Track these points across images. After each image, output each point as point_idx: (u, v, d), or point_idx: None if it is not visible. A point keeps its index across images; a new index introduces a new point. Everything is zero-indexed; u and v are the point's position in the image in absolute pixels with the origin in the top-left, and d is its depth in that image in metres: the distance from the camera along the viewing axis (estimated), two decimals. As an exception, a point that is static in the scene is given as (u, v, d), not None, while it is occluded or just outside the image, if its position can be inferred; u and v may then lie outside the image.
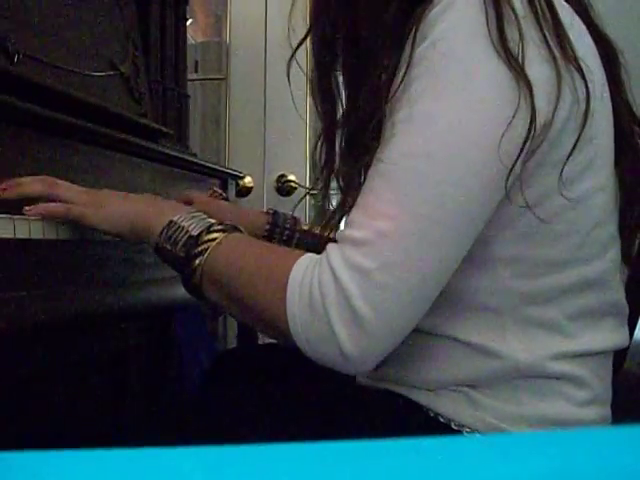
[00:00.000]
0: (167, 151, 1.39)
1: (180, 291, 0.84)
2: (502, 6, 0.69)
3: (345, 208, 0.81)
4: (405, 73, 0.71)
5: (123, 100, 1.36)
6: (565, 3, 0.78)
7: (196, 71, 2.47)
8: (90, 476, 0.31)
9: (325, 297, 0.68)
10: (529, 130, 0.68)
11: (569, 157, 0.71)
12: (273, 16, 2.33)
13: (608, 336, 0.81)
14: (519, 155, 0.68)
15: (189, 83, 1.89)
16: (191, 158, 1.56)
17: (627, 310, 0.85)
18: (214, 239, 0.77)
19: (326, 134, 0.87)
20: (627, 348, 0.90)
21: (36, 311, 0.78)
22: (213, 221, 0.80)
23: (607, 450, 0.32)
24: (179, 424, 0.85)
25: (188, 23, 1.92)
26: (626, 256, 0.85)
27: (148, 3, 1.60)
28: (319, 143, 0.88)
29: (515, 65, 0.67)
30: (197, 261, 0.77)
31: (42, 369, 1.21)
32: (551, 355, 0.76)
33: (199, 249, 0.77)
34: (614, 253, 0.82)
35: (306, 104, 2.38)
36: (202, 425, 0.84)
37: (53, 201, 0.84)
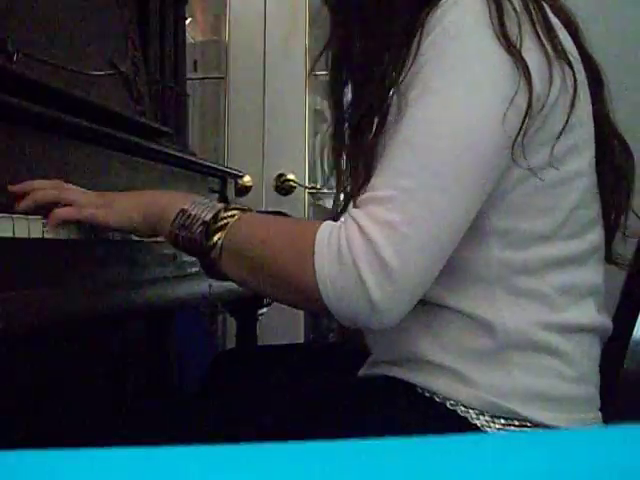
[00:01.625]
0: (166, 150, 1.39)
1: (180, 291, 0.84)
2: (503, 3, 0.78)
3: (354, 190, 0.84)
4: (414, 60, 0.78)
5: (122, 99, 1.36)
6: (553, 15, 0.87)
7: (195, 70, 2.47)
8: (90, 476, 0.31)
9: (353, 250, 0.72)
10: (528, 106, 0.76)
11: (559, 136, 0.80)
12: (272, 15, 2.33)
13: (592, 315, 0.86)
14: (521, 127, 0.76)
15: (188, 82, 1.89)
16: (190, 157, 1.55)
17: (603, 297, 0.91)
18: (233, 215, 0.82)
19: (336, 120, 0.91)
20: (627, 348, 0.91)
21: (36, 311, 0.78)
22: (224, 205, 0.84)
23: (606, 450, 0.32)
24: (179, 424, 0.85)
25: (187, 22, 1.92)
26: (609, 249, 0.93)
27: (147, 2, 1.60)
28: (330, 132, 0.92)
29: (514, 51, 0.76)
30: (216, 237, 0.81)
31: (42, 369, 1.21)
32: (539, 324, 0.81)
33: (218, 225, 0.81)
34: (594, 237, 0.87)
35: (305, 103, 2.39)
36: (202, 425, 0.84)
37: (65, 205, 0.86)
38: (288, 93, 2.34)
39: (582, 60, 0.88)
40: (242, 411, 0.85)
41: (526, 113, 0.76)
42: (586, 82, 0.88)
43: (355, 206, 0.77)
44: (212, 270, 0.85)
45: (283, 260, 0.78)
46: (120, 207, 0.88)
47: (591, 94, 0.89)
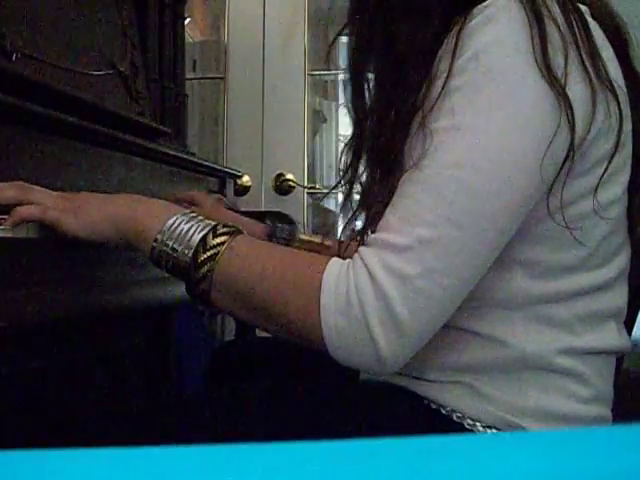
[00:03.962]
0: (165, 150, 1.39)
1: (180, 291, 0.83)
2: (546, 24, 0.70)
3: (367, 221, 0.81)
4: (445, 83, 0.71)
5: (121, 99, 1.36)
6: (595, 24, 0.79)
7: (194, 70, 2.47)
8: (90, 476, 0.31)
9: (364, 302, 0.68)
10: (569, 149, 0.70)
11: (605, 171, 0.74)
12: (271, 15, 2.33)
13: (613, 337, 0.83)
14: (559, 172, 0.70)
15: (187, 82, 1.89)
16: (189, 157, 1.56)
17: (625, 315, 0.87)
18: (223, 242, 0.74)
19: (355, 134, 0.86)
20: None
21: (36, 311, 0.78)
22: (214, 223, 0.77)
23: (607, 450, 0.32)
24: (179, 423, 0.85)
25: (186, 22, 1.92)
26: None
27: (146, 2, 1.60)
28: (347, 145, 0.87)
29: (557, 84, 0.69)
30: (206, 267, 0.74)
31: (42, 369, 1.21)
32: (557, 349, 0.78)
33: (207, 254, 0.74)
34: (622, 260, 0.83)
35: (304, 103, 2.39)
36: (202, 423, 0.84)
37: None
38: (287, 93, 2.35)
39: (624, 73, 0.80)
40: (241, 413, 0.85)
41: (566, 157, 0.70)
42: (628, 103, 0.80)
43: (365, 242, 0.73)
44: (202, 300, 0.77)
45: (285, 303, 0.72)
46: (89, 217, 0.79)
47: (635, 114, 0.81)
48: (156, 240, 0.76)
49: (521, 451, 0.33)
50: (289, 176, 2.33)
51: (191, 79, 2.27)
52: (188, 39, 2.20)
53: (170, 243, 0.75)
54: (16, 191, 0.78)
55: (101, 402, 1.46)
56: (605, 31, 0.79)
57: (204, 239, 0.74)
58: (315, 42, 2.38)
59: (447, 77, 0.71)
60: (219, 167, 1.75)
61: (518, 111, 0.69)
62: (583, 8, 0.77)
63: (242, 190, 2.31)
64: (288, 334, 0.75)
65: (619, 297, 0.84)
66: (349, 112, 0.86)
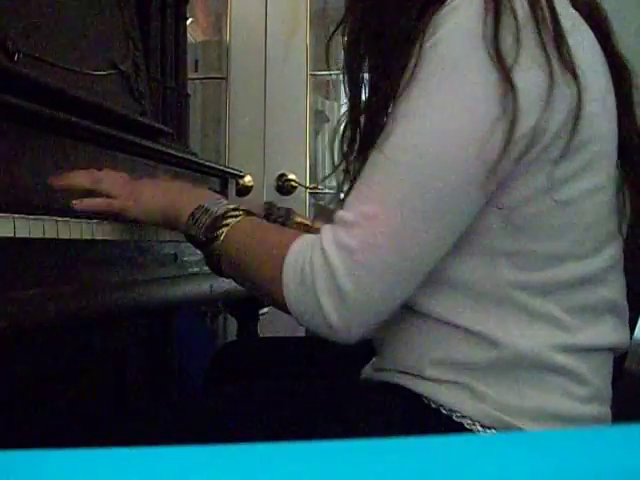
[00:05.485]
0: (167, 150, 1.39)
1: (181, 291, 0.84)
2: (502, 12, 0.73)
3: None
4: (412, 71, 0.76)
5: (123, 99, 1.36)
6: (573, 10, 0.82)
7: (196, 70, 2.47)
8: (90, 476, 0.31)
9: (314, 272, 0.75)
10: (510, 133, 0.72)
11: (560, 159, 0.75)
12: (273, 15, 2.33)
13: (608, 334, 0.82)
14: (501, 156, 0.72)
15: (189, 82, 1.89)
16: (191, 157, 1.56)
17: (627, 312, 0.87)
18: (228, 224, 0.86)
19: (351, 118, 0.91)
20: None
21: (36, 311, 0.78)
22: (230, 207, 0.89)
23: (607, 450, 0.32)
24: (179, 423, 0.85)
25: (188, 22, 1.92)
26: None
27: (148, 2, 1.60)
28: (345, 128, 0.91)
29: (504, 70, 0.72)
30: (215, 243, 0.86)
31: (42, 369, 1.21)
32: (551, 346, 0.78)
33: (217, 233, 0.86)
34: (612, 251, 0.83)
35: (306, 103, 2.39)
36: (202, 423, 0.84)
37: (97, 195, 0.94)
38: (289, 93, 2.35)
39: (609, 61, 0.83)
40: (241, 414, 0.85)
41: (507, 141, 0.72)
42: (611, 90, 0.83)
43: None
44: (216, 269, 0.89)
45: (260, 271, 0.83)
46: (145, 204, 0.94)
47: (619, 101, 0.83)
48: (187, 222, 0.89)
49: (521, 451, 0.33)
50: (291, 176, 2.33)
51: (193, 79, 2.27)
52: (190, 39, 2.20)
53: (195, 225, 0.89)
54: (89, 181, 0.95)
55: (101, 402, 1.46)
56: (586, 16, 0.83)
57: (215, 221, 0.87)
58: (317, 42, 2.38)
59: (415, 65, 0.76)
60: (221, 167, 1.75)
61: (463, 97, 0.74)
62: (562, 2, 0.79)
63: (244, 190, 2.31)
64: (268, 300, 0.88)
65: (613, 291, 0.83)
66: (347, 97, 0.91)
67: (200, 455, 0.32)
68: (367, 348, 0.95)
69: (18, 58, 0.99)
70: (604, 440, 0.34)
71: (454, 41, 0.74)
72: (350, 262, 0.73)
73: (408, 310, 0.80)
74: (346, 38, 0.90)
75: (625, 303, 0.86)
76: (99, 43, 1.30)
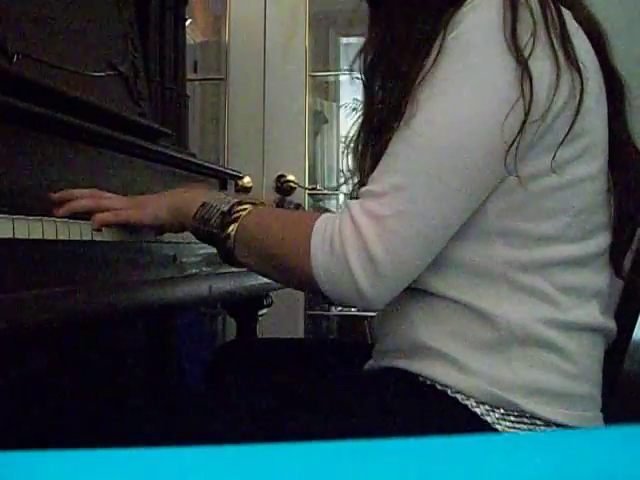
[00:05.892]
0: (166, 151, 1.39)
1: (180, 292, 0.84)
2: (519, 10, 0.81)
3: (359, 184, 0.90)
4: (435, 60, 0.82)
5: (122, 100, 1.36)
6: (574, 21, 0.88)
7: (195, 71, 2.47)
8: (90, 476, 0.31)
9: (344, 240, 0.79)
10: (526, 113, 0.78)
11: (561, 143, 0.82)
12: (272, 16, 2.33)
13: (596, 316, 0.87)
14: (519, 134, 0.79)
15: (188, 83, 1.89)
16: (190, 158, 1.56)
17: (613, 303, 0.93)
18: (245, 209, 0.90)
19: (365, 115, 0.95)
20: (627, 348, 0.91)
21: (36, 311, 0.78)
22: (241, 198, 0.92)
23: (606, 450, 0.32)
24: (179, 422, 0.85)
25: (187, 23, 1.92)
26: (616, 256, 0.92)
27: (147, 3, 1.60)
28: (358, 127, 0.95)
29: (521, 59, 0.79)
30: (230, 228, 0.89)
31: (42, 369, 1.21)
32: (541, 320, 0.83)
33: (232, 217, 0.89)
34: (600, 241, 0.88)
35: (305, 104, 2.39)
36: (202, 423, 0.84)
37: (102, 212, 0.95)
38: (288, 94, 2.35)
39: (604, 71, 0.90)
40: (241, 413, 0.85)
41: (525, 120, 0.78)
42: (604, 92, 0.89)
43: (358, 194, 0.83)
44: (229, 259, 0.91)
45: (284, 247, 0.85)
46: (151, 209, 0.97)
47: (611, 107, 0.90)
48: (196, 214, 0.92)
49: (521, 451, 0.33)
50: (290, 177, 2.34)
51: (192, 80, 2.27)
52: (189, 40, 2.20)
53: (204, 217, 0.92)
54: (90, 201, 0.96)
55: (101, 402, 1.46)
56: (586, 31, 0.89)
57: (231, 208, 0.90)
58: (316, 43, 2.38)
59: (436, 56, 0.82)
60: (220, 168, 1.75)
61: (486, 80, 0.80)
62: (565, 11, 0.86)
63: (243, 191, 2.31)
64: (290, 279, 0.91)
65: (600, 278, 0.89)
66: (362, 81, 0.95)
67: (200, 455, 0.32)
68: (366, 349, 0.96)
69: (17, 59, 0.99)
70: (603, 440, 0.34)
71: (476, 32, 0.81)
72: (381, 229, 0.78)
73: (407, 287, 0.83)
74: (366, 45, 0.94)
75: (611, 293, 0.91)
76: (98, 44, 1.30)
